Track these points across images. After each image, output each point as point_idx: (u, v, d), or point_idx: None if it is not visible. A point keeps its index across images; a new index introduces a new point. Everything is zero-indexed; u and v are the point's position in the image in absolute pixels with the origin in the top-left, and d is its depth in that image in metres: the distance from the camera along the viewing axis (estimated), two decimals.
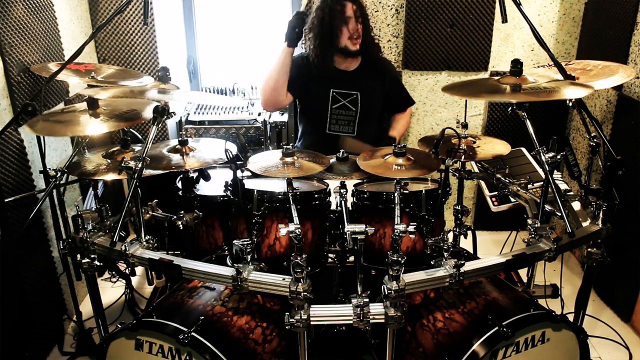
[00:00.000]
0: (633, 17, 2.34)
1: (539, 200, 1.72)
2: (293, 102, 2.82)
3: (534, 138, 1.59)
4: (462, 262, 1.50)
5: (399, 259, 1.41)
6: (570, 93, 1.61)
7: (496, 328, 1.51)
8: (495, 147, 2.07)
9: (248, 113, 3.02)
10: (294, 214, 1.64)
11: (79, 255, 1.65)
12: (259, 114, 3.02)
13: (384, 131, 2.78)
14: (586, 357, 1.67)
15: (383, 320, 1.43)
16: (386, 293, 1.42)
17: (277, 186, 1.87)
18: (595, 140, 1.80)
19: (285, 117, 3.01)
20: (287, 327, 1.42)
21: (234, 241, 1.67)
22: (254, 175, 1.90)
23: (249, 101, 3.14)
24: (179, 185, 2.03)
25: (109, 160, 1.95)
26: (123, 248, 1.54)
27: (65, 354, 2.25)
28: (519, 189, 2.00)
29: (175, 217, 1.92)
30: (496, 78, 1.73)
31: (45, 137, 1.97)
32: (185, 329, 1.49)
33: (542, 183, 1.75)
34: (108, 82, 2.16)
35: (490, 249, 2.97)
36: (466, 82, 1.84)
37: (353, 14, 2.42)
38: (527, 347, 1.57)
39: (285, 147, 1.85)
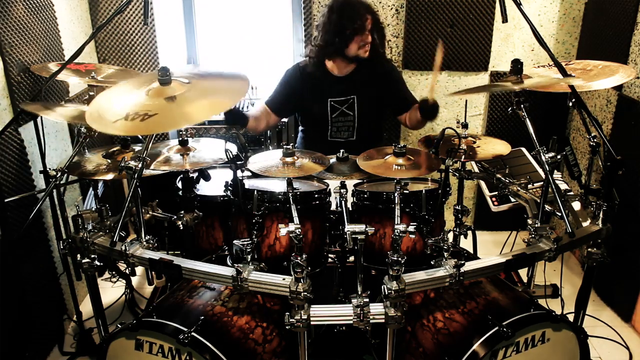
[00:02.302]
0: (633, 17, 2.34)
1: (539, 200, 1.72)
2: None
3: (534, 138, 1.59)
4: (462, 262, 1.50)
5: (399, 259, 1.41)
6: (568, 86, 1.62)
7: (496, 328, 1.50)
8: (495, 147, 2.07)
9: None
10: (294, 214, 1.64)
11: (79, 255, 1.65)
12: None
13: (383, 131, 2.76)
14: (586, 357, 1.67)
15: (383, 320, 1.43)
16: (386, 293, 1.42)
17: (277, 186, 1.87)
18: (595, 140, 1.80)
19: (285, 117, 3.01)
20: (287, 327, 1.42)
21: (234, 241, 1.67)
22: (254, 175, 1.90)
23: (249, 101, 3.13)
24: (179, 185, 2.03)
25: (109, 160, 1.95)
26: (123, 248, 1.54)
27: (65, 354, 2.25)
28: (519, 189, 2.00)
29: (175, 217, 1.92)
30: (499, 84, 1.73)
31: (45, 137, 1.97)
32: (186, 329, 1.49)
33: (542, 183, 1.75)
34: (108, 82, 2.16)
35: (490, 249, 2.97)
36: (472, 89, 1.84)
37: (369, 26, 2.38)
38: (527, 347, 1.57)
39: (285, 147, 1.85)
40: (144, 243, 1.60)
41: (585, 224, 1.72)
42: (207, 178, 2.00)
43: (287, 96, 2.59)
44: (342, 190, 1.89)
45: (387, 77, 2.60)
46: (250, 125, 2.48)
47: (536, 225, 1.64)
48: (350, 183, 1.96)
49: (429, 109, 2.24)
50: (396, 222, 1.55)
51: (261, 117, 2.57)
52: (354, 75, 2.54)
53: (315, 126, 2.67)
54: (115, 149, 2.03)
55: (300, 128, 2.82)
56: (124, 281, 2.53)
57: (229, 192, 1.84)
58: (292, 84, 2.59)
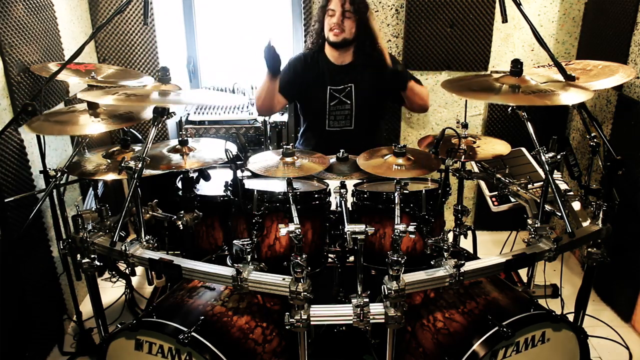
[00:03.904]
0: (633, 17, 2.34)
1: (539, 200, 1.72)
2: (293, 103, 2.84)
3: (534, 138, 1.59)
4: (462, 262, 1.50)
5: (399, 259, 1.41)
6: (567, 98, 1.62)
7: (496, 328, 1.51)
8: (495, 147, 2.07)
9: (248, 113, 3.02)
10: (294, 214, 1.64)
11: (79, 255, 1.65)
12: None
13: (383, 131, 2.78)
14: (586, 357, 1.67)
15: (383, 320, 1.43)
16: (386, 293, 1.42)
17: (277, 186, 1.87)
18: (595, 140, 1.80)
19: (285, 117, 3.01)
20: (287, 327, 1.42)
21: (234, 241, 1.67)
22: (254, 175, 1.90)
23: (249, 101, 3.13)
24: (179, 185, 2.03)
25: (109, 160, 1.95)
26: (123, 248, 1.54)
27: (65, 354, 2.25)
28: (519, 189, 2.00)
29: (175, 217, 1.92)
30: (496, 76, 1.74)
31: (46, 137, 1.97)
32: (185, 329, 1.49)
33: (542, 183, 1.76)
34: (108, 82, 2.16)
35: (490, 249, 2.97)
36: (465, 78, 1.84)
37: (336, 7, 2.44)
38: (527, 347, 1.57)
39: (285, 147, 1.85)
40: (144, 243, 1.60)
41: (585, 224, 1.72)
42: (207, 178, 2.00)
43: (291, 79, 2.61)
44: (342, 190, 1.89)
45: (380, 62, 2.60)
46: (270, 88, 2.47)
47: (536, 225, 1.64)
48: (350, 183, 1.97)
49: (392, 77, 2.44)
50: (396, 222, 1.55)
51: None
52: (351, 64, 2.58)
53: (314, 115, 2.68)
54: (115, 149, 2.03)
55: (302, 122, 2.81)
56: (124, 281, 2.53)
57: (229, 192, 1.84)
58: (296, 69, 2.62)
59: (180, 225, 1.91)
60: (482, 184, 2.48)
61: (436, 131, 2.80)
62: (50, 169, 1.90)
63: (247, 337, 1.62)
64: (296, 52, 3.17)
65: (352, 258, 2.01)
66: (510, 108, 1.68)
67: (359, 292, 1.46)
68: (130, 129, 2.65)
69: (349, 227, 1.47)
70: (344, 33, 2.46)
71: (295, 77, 2.60)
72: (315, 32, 2.60)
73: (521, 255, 1.57)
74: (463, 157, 1.94)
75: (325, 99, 2.59)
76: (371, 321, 1.43)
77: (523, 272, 2.72)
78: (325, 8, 2.48)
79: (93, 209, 1.74)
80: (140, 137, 2.76)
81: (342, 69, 2.58)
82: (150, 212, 1.95)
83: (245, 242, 1.55)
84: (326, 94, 2.58)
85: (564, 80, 1.70)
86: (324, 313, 1.45)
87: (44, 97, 2.20)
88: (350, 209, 1.94)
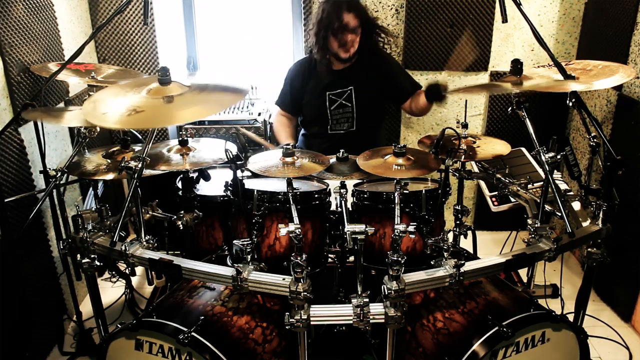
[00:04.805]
0: (633, 17, 2.34)
1: (539, 200, 1.72)
2: None
3: (534, 138, 1.59)
4: (462, 262, 1.50)
5: (399, 259, 1.41)
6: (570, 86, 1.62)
7: (496, 328, 1.50)
8: (495, 147, 2.07)
9: (248, 113, 3.02)
10: (294, 214, 1.64)
11: (79, 255, 1.65)
12: (259, 114, 3.01)
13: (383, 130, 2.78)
14: (586, 357, 1.67)
15: (383, 320, 1.43)
16: (386, 293, 1.42)
17: (277, 186, 1.87)
18: (595, 140, 1.80)
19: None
20: (287, 327, 1.42)
21: (234, 241, 1.67)
22: (254, 175, 1.90)
23: (249, 101, 3.13)
24: (179, 185, 2.03)
25: (109, 160, 1.95)
26: (123, 248, 1.54)
27: (65, 354, 2.25)
28: (519, 189, 2.00)
29: (175, 217, 1.92)
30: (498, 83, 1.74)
31: (46, 137, 1.97)
32: (185, 329, 1.49)
33: (542, 183, 1.75)
34: (108, 82, 2.16)
35: (491, 249, 2.97)
36: (471, 87, 1.85)
37: (349, 25, 2.40)
38: (527, 347, 1.57)
39: (285, 147, 1.85)
40: (144, 243, 1.60)
41: (585, 224, 1.72)
42: (207, 178, 2.00)
43: (292, 93, 2.65)
44: (342, 190, 1.89)
45: (383, 68, 2.63)
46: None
47: (536, 225, 1.64)
48: (350, 183, 1.96)
49: (436, 92, 2.31)
50: (396, 222, 1.55)
51: (289, 124, 2.69)
52: (351, 67, 2.59)
53: (315, 121, 2.69)
54: (115, 149, 2.03)
55: (301, 129, 2.82)
56: (124, 281, 2.53)
57: (229, 192, 1.84)
58: (294, 80, 2.65)
59: (180, 225, 1.91)
60: (482, 184, 2.48)
61: (436, 131, 2.80)
62: (50, 169, 1.89)
63: (247, 337, 1.62)
64: (296, 52, 3.19)
65: (352, 258, 2.01)
66: (510, 108, 1.68)
67: (359, 292, 1.46)
68: (131, 129, 2.65)
69: (349, 227, 1.47)
70: (354, 48, 2.47)
71: (294, 89, 2.66)
72: (317, 47, 2.51)
73: (521, 255, 1.57)
74: (463, 157, 1.94)
75: (325, 105, 2.60)
76: (371, 321, 1.43)
77: (523, 272, 2.72)
78: (332, 26, 2.41)
79: (93, 209, 1.74)
80: (140, 137, 2.76)
81: (340, 73, 2.59)
82: (150, 212, 1.95)
83: (245, 242, 1.55)
84: (325, 100, 2.60)
85: (564, 80, 1.70)
86: (324, 313, 1.45)
87: (44, 97, 2.20)
88: (350, 209, 1.94)
